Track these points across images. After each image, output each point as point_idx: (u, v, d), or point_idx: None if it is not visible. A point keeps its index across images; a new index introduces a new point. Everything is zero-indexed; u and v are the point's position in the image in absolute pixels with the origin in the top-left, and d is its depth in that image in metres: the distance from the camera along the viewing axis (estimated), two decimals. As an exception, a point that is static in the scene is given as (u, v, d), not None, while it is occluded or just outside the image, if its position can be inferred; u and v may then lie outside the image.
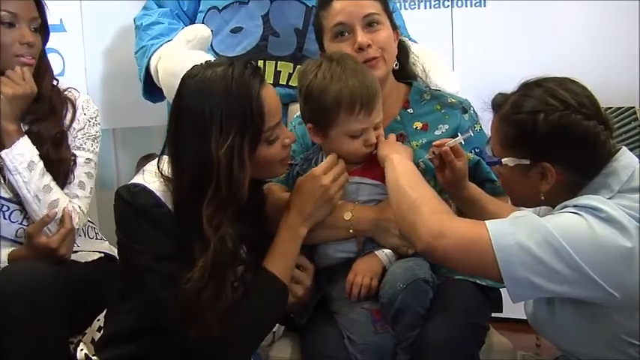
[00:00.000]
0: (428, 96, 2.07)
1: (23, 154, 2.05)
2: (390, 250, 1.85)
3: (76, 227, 2.10)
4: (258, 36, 2.58)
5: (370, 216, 1.86)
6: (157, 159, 1.77)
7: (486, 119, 1.77)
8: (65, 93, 2.21)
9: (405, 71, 2.09)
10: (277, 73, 2.57)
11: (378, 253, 1.85)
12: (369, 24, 1.96)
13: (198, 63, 1.75)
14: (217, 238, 1.65)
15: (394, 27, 2.03)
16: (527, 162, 1.60)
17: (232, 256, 1.70)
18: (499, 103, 1.65)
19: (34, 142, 2.08)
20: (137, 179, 1.76)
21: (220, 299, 1.66)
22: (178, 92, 1.73)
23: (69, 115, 2.17)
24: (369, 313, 1.83)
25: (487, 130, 1.82)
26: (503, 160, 1.62)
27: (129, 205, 1.73)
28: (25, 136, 2.08)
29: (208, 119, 1.66)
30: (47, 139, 2.11)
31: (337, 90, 1.78)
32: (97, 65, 2.84)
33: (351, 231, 1.86)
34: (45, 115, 2.13)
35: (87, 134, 2.20)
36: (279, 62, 2.58)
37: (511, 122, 1.61)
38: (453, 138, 1.89)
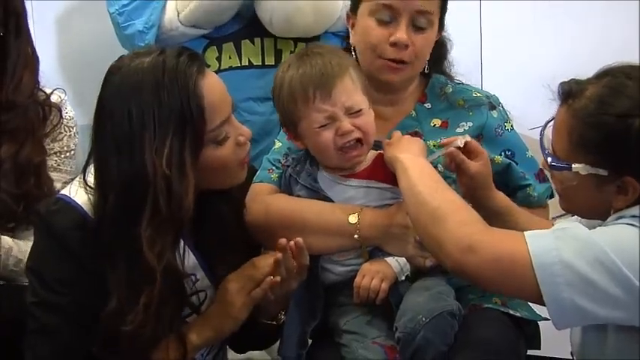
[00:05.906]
0: (449, 89, 1.91)
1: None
2: (403, 259, 1.71)
3: None
4: (254, 8, 2.37)
5: (380, 221, 1.71)
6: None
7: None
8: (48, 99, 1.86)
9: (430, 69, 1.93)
10: (278, 52, 2.41)
11: (388, 259, 1.71)
12: (419, 22, 1.79)
13: None
14: (162, 268, 1.50)
15: (441, 27, 1.88)
16: (605, 173, 1.42)
17: (180, 290, 1.58)
18: (572, 92, 1.45)
19: (15, 179, 1.76)
20: (63, 190, 1.61)
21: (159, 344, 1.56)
22: (101, 91, 1.56)
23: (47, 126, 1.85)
24: (382, 350, 1.67)
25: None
26: (573, 165, 1.44)
27: (42, 227, 1.58)
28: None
29: (138, 123, 1.49)
30: (30, 171, 1.80)
31: (288, 81, 1.71)
32: (49, 48, 2.56)
33: (356, 237, 1.71)
34: (22, 136, 1.80)
35: (64, 149, 1.91)
36: (278, 39, 2.41)
37: (594, 124, 1.41)
38: (476, 138, 1.75)
